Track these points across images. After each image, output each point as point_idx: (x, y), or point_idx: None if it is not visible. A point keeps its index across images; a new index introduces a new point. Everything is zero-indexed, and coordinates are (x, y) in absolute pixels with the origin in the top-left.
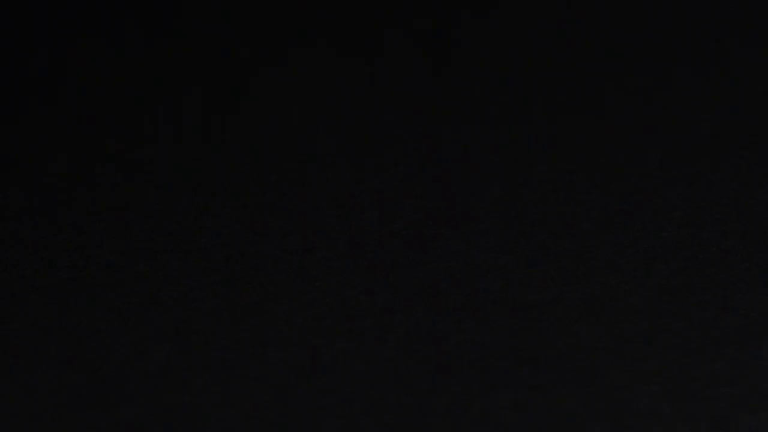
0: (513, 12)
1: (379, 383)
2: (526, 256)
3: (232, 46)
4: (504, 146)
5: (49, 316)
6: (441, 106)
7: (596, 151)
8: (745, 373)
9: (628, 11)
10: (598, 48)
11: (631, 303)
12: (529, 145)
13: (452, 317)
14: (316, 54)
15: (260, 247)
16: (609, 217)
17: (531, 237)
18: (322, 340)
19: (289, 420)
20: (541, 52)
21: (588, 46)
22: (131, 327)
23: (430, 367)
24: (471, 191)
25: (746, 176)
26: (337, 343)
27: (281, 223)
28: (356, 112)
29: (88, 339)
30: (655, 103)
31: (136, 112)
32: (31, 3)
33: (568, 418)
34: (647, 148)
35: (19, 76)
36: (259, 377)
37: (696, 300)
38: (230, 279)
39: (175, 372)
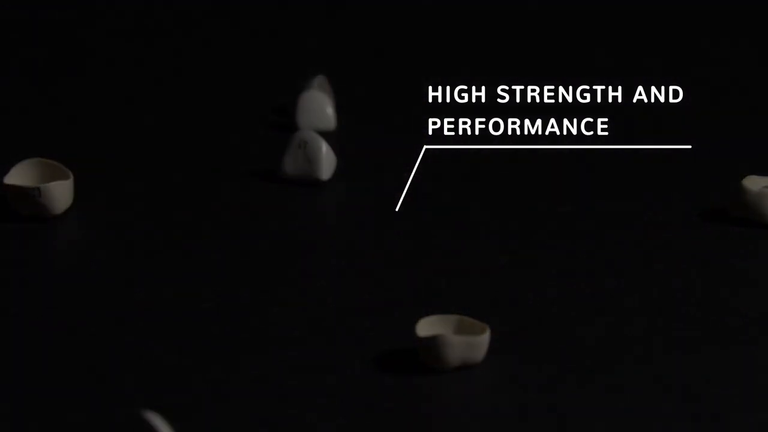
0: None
1: (379, 383)
2: (527, 256)
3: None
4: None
5: (49, 316)
6: (440, 107)
7: (596, 152)
8: (745, 373)
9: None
10: (598, 48)
11: (631, 303)
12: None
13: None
14: None
15: (261, 248)
16: (609, 217)
17: (531, 237)
18: (322, 340)
19: (289, 420)
20: (542, 53)
21: (591, 45)
22: (131, 327)
23: (429, 367)
24: (471, 191)
25: (746, 174)
26: (337, 343)
27: (281, 222)
28: (356, 112)
29: (87, 339)
30: (655, 102)
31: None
32: None
33: (567, 418)
34: (647, 148)
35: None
36: (259, 377)
37: (696, 300)
38: (230, 279)
39: (175, 372)
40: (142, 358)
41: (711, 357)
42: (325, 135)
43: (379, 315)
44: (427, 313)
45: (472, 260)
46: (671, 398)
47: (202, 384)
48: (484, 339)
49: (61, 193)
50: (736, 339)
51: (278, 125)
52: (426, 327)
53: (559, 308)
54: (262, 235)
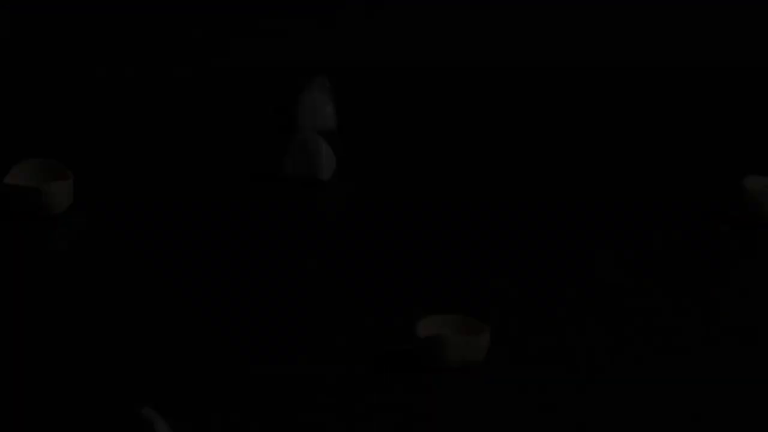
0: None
1: (379, 383)
2: (527, 256)
3: None
4: (504, 146)
5: (48, 315)
6: (441, 111)
7: (596, 152)
8: (745, 373)
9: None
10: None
11: (631, 303)
12: (529, 144)
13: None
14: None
15: (261, 248)
16: (609, 217)
17: (532, 237)
18: (322, 340)
19: (289, 419)
20: (542, 59)
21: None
22: (131, 326)
23: (429, 367)
24: (471, 192)
25: (745, 173)
26: (337, 343)
27: (281, 222)
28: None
29: (87, 338)
30: (655, 105)
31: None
32: None
33: (568, 418)
34: (647, 150)
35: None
36: (259, 377)
37: (696, 300)
38: (230, 279)
39: (175, 372)
40: (142, 358)
41: (711, 357)
42: (325, 135)
43: (379, 315)
44: (427, 313)
45: (472, 260)
46: (671, 398)
47: (201, 384)
48: (484, 339)
49: (61, 193)
50: (736, 339)
51: (278, 125)
52: (426, 327)
53: (559, 308)
54: (262, 234)
